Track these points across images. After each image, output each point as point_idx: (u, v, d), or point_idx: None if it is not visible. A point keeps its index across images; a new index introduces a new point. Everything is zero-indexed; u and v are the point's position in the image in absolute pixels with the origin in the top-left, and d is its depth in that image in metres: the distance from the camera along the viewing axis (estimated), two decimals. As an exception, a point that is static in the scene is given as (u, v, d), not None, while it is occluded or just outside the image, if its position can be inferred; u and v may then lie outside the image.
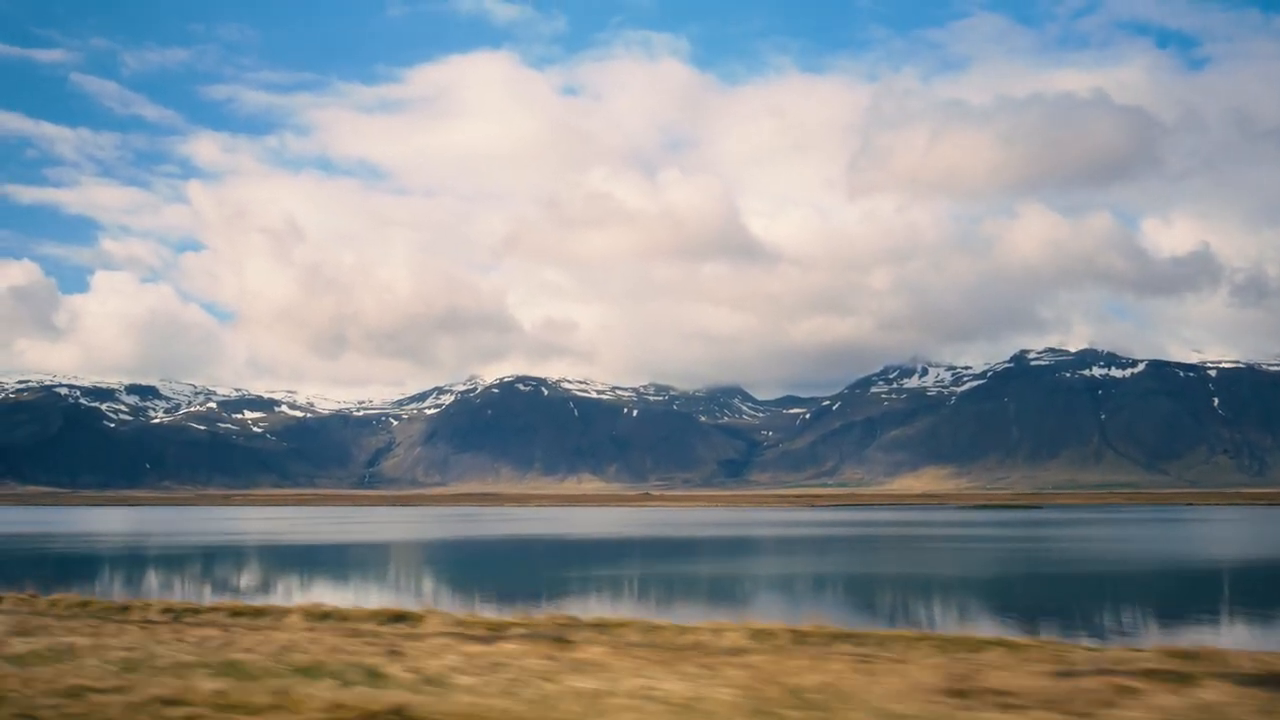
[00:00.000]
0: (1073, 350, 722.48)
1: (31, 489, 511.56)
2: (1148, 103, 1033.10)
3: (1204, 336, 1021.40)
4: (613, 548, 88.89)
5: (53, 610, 22.34)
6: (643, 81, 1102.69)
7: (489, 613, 21.98)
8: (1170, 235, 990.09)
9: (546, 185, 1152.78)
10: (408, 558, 79.44)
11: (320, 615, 19.97)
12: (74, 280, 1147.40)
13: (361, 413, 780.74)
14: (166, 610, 21.61)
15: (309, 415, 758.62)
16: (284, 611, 20.60)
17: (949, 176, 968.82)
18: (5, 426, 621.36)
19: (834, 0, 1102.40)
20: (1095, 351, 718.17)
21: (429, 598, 40.78)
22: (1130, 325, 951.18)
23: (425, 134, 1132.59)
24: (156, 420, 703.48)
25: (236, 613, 20.90)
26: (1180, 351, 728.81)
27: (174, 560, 72.51)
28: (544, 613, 20.58)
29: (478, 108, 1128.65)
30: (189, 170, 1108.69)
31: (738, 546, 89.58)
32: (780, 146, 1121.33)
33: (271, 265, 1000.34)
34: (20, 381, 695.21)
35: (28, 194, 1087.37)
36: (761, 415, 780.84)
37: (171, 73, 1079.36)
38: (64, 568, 62.75)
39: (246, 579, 57.14)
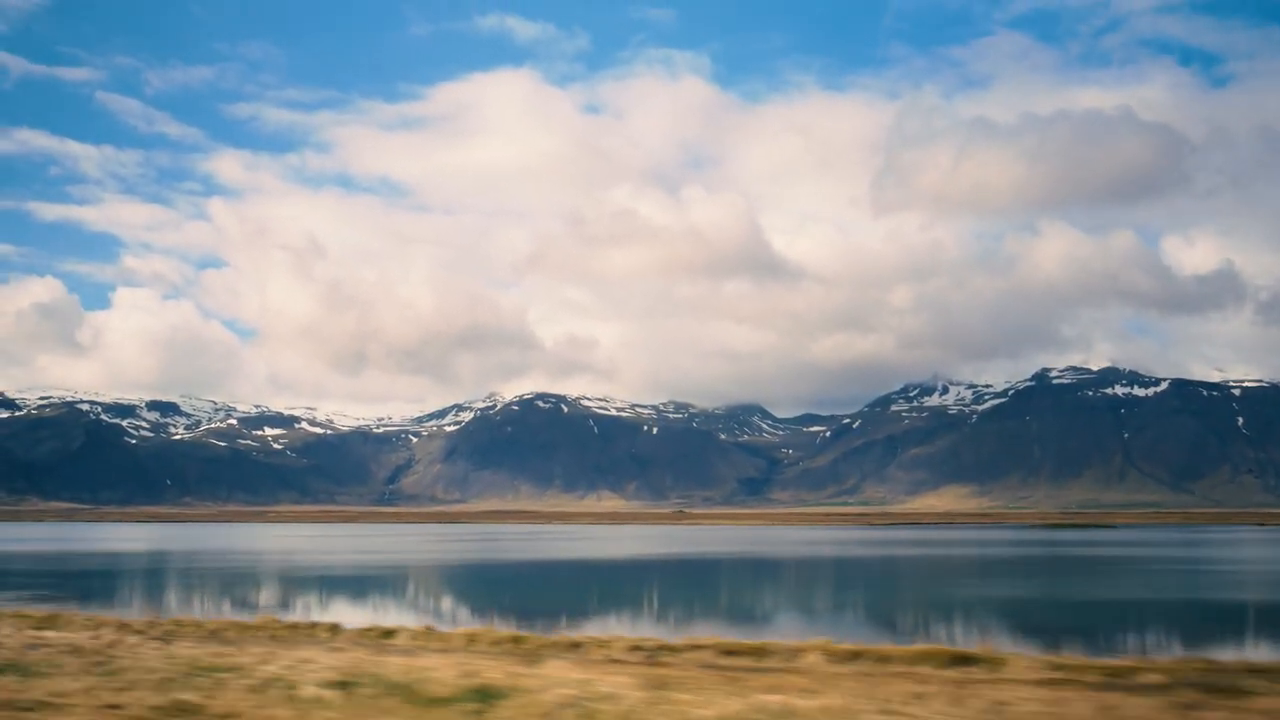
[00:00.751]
0: (1095, 369, 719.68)
1: (53, 505, 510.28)
2: (1172, 120, 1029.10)
3: (1226, 355, 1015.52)
4: (821, 568, 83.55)
5: (474, 647, 20.95)
6: (664, 99, 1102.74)
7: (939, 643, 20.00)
8: (1193, 253, 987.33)
9: (568, 203, 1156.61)
10: (631, 579, 73.35)
11: (848, 656, 18.58)
12: (96, 297, 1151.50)
13: (381, 429, 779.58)
14: (635, 648, 20.22)
15: (329, 432, 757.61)
16: (793, 651, 19.16)
17: (974, 194, 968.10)
18: (28, 443, 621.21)
19: (856, 19, 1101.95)
20: (1117, 370, 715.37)
21: (793, 627, 38.68)
22: (1152, 344, 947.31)
23: (446, 151, 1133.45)
24: (177, 437, 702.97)
25: (728, 651, 19.48)
26: (1202, 370, 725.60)
27: (393, 582, 67.88)
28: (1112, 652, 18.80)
29: (499, 125, 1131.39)
30: (211, 187, 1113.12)
31: (958, 567, 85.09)
32: (802, 164, 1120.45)
33: (292, 282, 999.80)
34: (42, 398, 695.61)
35: (50, 211, 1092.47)
36: (781, 433, 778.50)
37: (195, 91, 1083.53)
38: (296, 593, 58.63)
39: (541, 604, 53.41)
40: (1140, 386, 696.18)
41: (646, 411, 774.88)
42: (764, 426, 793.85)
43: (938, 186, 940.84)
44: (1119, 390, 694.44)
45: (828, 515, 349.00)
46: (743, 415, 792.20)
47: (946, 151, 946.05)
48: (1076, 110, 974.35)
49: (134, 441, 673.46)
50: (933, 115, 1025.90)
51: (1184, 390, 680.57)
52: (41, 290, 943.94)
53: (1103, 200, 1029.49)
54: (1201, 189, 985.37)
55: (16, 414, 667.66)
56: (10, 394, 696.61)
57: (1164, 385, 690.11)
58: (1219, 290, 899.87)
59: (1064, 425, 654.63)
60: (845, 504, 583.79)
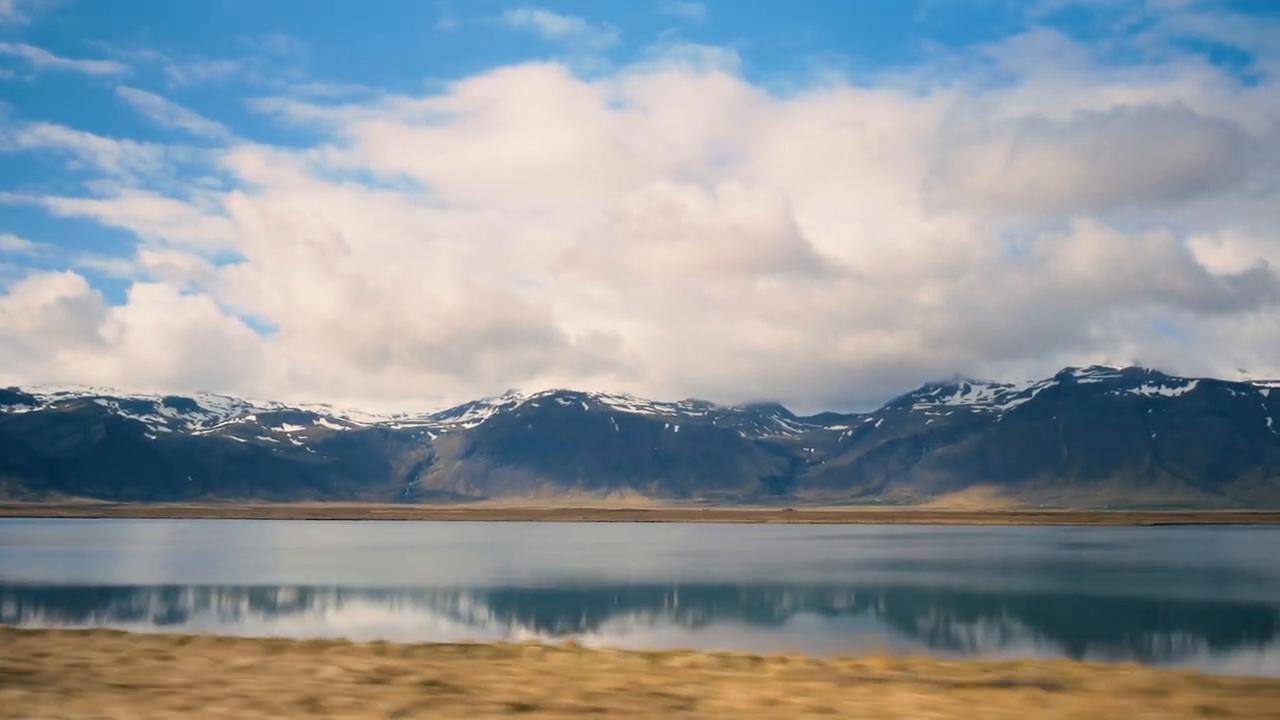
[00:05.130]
0: (1119, 369, 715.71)
1: (76, 500, 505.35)
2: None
3: (1250, 356, 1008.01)
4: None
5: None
6: (691, 94, 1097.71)
7: None
8: (1225, 252, 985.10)
9: (591, 199, 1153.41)
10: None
11: None
12: (113, 292, 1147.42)
13: (399, 426, 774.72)
14: None
15: (347, 429, 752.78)
16: None
17: (1023, 193, 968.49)
18: (48, 438, 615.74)
19: (886, 15, 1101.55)
20: (1141, 370, 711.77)
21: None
22: (1175, 344, 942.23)
23: (469, 147, 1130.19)
24: (196, 433, 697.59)
25: None
26: (1226, 370, 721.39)
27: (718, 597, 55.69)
28: None
29: (524, 121, 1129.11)
30: (230, 182, 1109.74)
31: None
32: (830, 159, 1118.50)
33: (315, 278, 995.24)
34: (58, 393, 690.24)
35: (68, 206, 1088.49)
36: (801, 432, 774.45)
37: (218, 85, 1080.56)
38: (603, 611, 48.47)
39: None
40: (1168, 386, 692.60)
41: (666, 409, 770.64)
42: (783, 425, 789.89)
43: (988, 185, 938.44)
44: (1146, 390, 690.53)
45: (896, 514, 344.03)
46: (762, 414, 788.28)
47: (1000, 149, 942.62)
48: (1129, 108, 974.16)
49: (154, 437, 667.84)
50: (978, 112, 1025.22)
51: (1212, 390, 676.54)
52: (65, 285, 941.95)
53: (1151, 199, 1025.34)
54: (1257, 187, 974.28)
55: (35, 409, 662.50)
56: (26, 389, 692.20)
57: (1192, 385, 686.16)
58: (1252, 290, 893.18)
59: (1091, 425, 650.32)
60: (871, 503, 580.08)
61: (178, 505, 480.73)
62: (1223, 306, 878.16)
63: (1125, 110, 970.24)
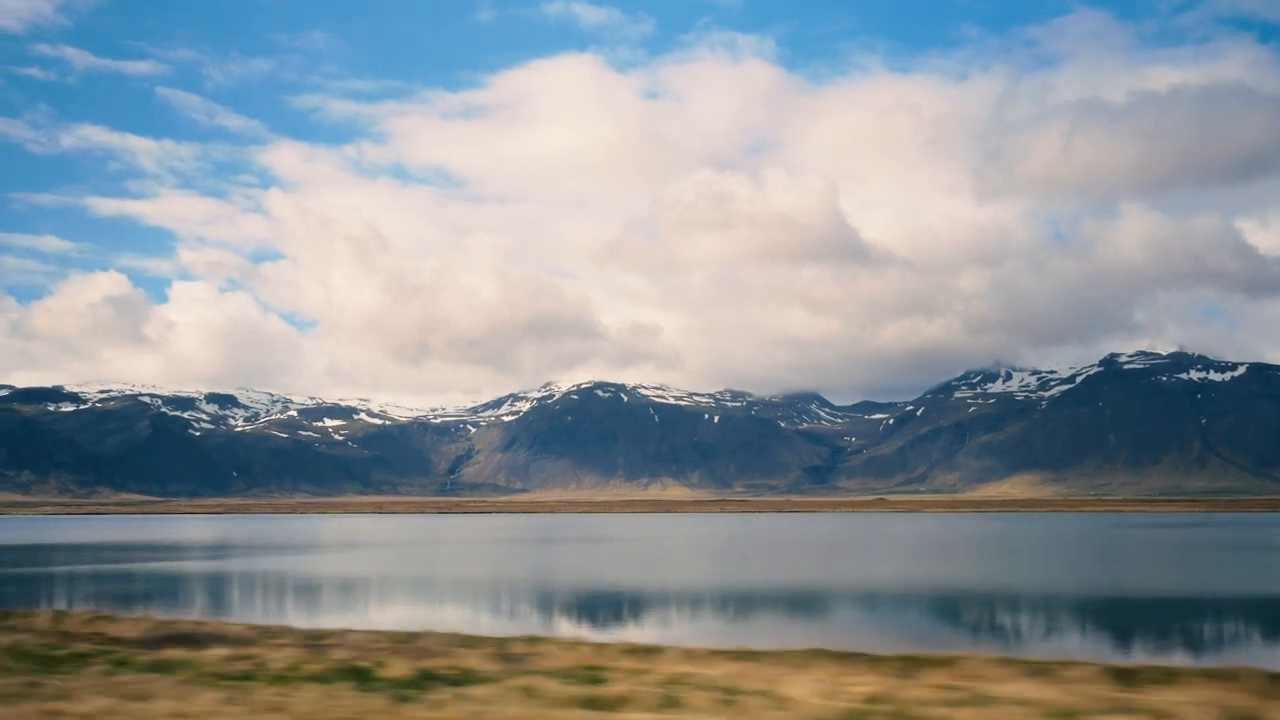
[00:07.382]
0: (1164, 353, 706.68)
1: (125, 497, 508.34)
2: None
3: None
4: None
5: None
6: (726, 82, 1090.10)
7: None
8: (1271, 234, 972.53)
9: (628, 189, 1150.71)
10: None
11: None
12: (153, 291, 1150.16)
13: (438, 420, 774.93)
14: None
15: (387, 423, 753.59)
16: None
17: (1077, 178, 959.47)
18: (95, 436, 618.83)
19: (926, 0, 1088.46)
20: (1187, 354, 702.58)
21: None
22: (1222, 327, 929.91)
23: (505, 140, 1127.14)
24: (238, 429, 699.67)
25: None
26: (1275, 354, 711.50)
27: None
28: None
29: (560, 112, 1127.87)
30: (267, 180, 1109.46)
31: None
32: (871, 146, 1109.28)
33: (354, 273, 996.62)
34: (102, 391, 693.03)
35: (108, 206, 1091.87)
36: (841, 421, 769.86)
37: (255, 84, 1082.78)
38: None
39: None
40: (1216, 371, 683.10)
41: (704, 400, 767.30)
42: (822, 414, 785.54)
43: (1043, 170, 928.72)
44: (1194, 375, 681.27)
45: (962, 502, 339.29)
46: (800, 403, 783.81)
47: (1056, 133, 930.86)
48: (1189, 87, 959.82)
49: (198, 434, 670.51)
50: (1031, 97, 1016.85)
51: (1262, 374, 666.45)
52: (110, 284, 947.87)
53: (1208, 180, 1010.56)
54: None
55: (81, 407, 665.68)
56: (70, 388, 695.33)
57: (1241, 369, 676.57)
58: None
59: (1138, 411, 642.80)
60: (916, 491, 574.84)
61: (227, 500, 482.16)
62: (1274, 288, 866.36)
63: (1184, 90, 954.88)
